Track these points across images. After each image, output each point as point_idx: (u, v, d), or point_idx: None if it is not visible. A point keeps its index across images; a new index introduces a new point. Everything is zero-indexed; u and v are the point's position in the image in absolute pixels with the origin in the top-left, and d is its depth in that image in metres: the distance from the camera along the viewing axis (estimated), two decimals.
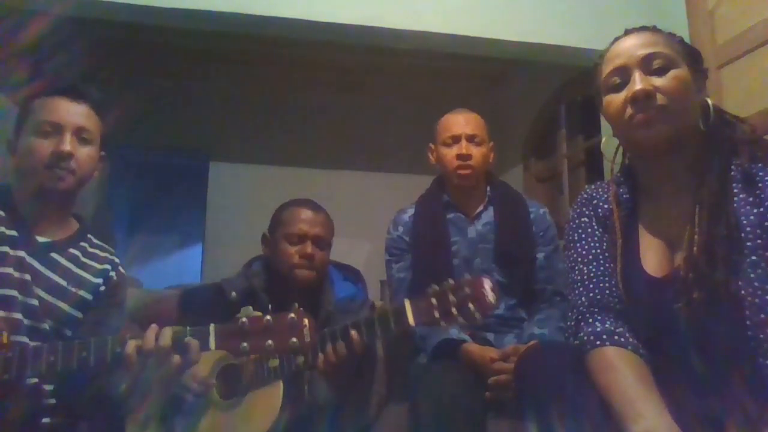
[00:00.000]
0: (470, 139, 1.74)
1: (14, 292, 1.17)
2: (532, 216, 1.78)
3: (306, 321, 1.04)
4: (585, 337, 1.02)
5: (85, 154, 1.27)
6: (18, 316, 1.16)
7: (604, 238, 1.11)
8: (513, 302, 1.70)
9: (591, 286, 1.07)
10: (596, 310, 1.05)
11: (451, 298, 1.14)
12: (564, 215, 2.75)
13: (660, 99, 0.97)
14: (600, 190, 1.15)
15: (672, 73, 0.99)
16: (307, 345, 1.04)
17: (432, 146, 1.85)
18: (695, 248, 0.94)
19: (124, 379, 1.11)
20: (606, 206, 1.12)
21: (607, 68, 1.05)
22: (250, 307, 1.06)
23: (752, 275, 0.90)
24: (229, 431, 1.32)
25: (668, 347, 0.98)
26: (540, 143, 3.83)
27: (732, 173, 0.98)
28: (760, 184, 0.94)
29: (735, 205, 0.95)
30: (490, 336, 1.66)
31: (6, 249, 1.19)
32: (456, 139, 1.75)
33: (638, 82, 0.99)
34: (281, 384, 1.32)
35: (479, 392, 1.49)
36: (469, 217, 1.78)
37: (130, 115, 3.33)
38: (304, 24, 2.30)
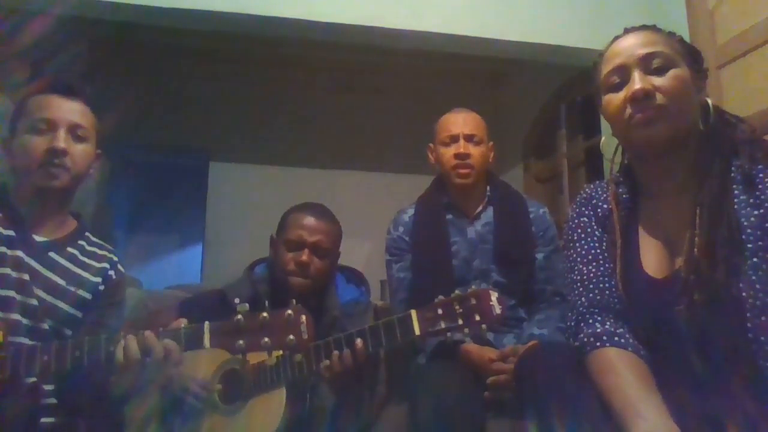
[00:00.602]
0: (468, 138, 1.74)
1: (12, 293, 1.16)
2: (531, 216, 1.77)
3: (303, 318, 1.03)
4: (585, 338, 1.01)
5: (80, 150, 1.26)
6: (17, 316, 1.16)
7: (604, 238, 1.10)
8: (512, 302, 1.69)
9: (591, 286, 1.07)
10: (596, 310, 1.05)
11: (457, 308, 1.14)
12: (564, 215, 2.75)
13: (659, 98, 0.97)
14: (599, 189, 1.15)
15: (671, 72, 0.99)
16: (305, 342, 1.03)
17: (431, 146, 1.85)
18: (696, 250, 0.94)
19: (122, 379, 1.11)
20: (605, 206, 1.12)
21: (606, 67, 1.05)
22: (247, 305, 1.04)
23: (753, 277, 0.89)
24: None
25: (668, 348, 0.98)
26: (540, 143, 3.82)
27: (732, 174, 0.97)
28: (760, 186, 0.94)
29: (736, 206, 0.94)
30: (490, 336, 1.65)
31: (4, 249, 1.18)
32: (454, 139, 1.74)
33: (637, 81, 0.98)
34: (284, 390, 1.31)
35: (479, 392, 1.49)
36: (469, 218, 1.78)
37: (131, 115, 3.32)
38: (304, 24, 2.30)
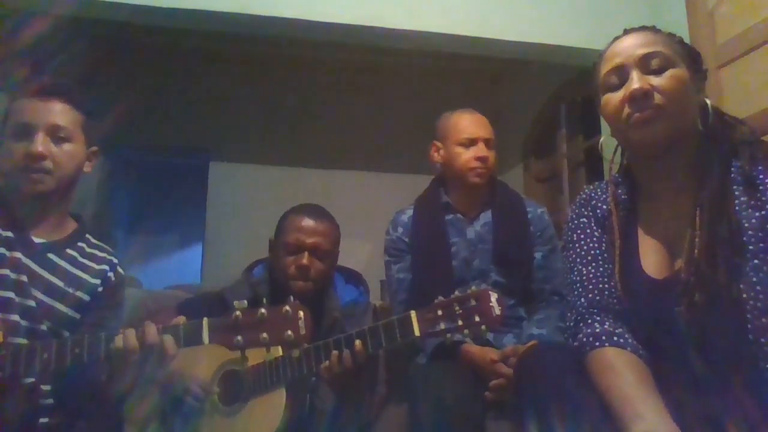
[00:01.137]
0: (487, 142, 1.76)
1: (11, 294, 1.16)
2: (530, 216, 1.78)
3: (301, 313, 1.03)
4: (584, 338, 1.01)
5: (62, 152, 1.24)
6: (15, 317, 1.16)
7: (603, 239, 1.10)
8: (512, 302, 1.70)
9: (590, 287, 1.07)
10: (595, 311, 1.05)
11: (457, 309, 1.14)
12: (564, 215, 2.75)
13: (657, 98, 0.97)
14: (599, 190, 1.15)
15: (670, 72, 0.99)
16: (303, 338, 1.02)
17: (437, 144, 1.82)
18: (696, 251, 0.93)
19: (120, 375, 1.11)
20: (605, 207, 1.12)
21: (605, 67, 1.04)
22: (245, 301, 1.04)
23: (754, 279, 0.89)
24: None
25: (668, 348, 0.98)
26: (540, 143, 3.82)
27: (732, 175, 0.97)
28: (761, 187, 0.94)
29: (736, 207, 0.94)
30: (489, 336, 1.65)
31: (2, 250, 1.18)
32: (474, 142, 1.75)
33: (636, 81, 0.98)
34: (284, 391, 1.31)
35: (479, 393, 1.49)
36: (468, 218, 1.79)
37: (131, 115, 3.32)
38: (304, 24, 2.30)
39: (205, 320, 1.05)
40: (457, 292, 1.17)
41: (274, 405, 1.30)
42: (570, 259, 1.12)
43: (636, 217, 1.08)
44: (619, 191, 1.10)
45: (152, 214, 4.99)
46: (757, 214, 0.92)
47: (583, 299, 1.06)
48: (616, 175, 1.13)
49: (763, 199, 0.93)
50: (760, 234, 0.91)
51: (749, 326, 0.88)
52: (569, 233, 1.15)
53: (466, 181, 1.76)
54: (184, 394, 1.32)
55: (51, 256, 1.26)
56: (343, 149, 4.03)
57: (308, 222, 1.56)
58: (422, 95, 4.00)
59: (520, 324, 1.70)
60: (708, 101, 1.02)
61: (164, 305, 1.80)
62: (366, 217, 2.96)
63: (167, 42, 3.52)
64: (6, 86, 1.97)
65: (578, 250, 1.11)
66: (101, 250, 1.37)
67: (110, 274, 1.34)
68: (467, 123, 1.78)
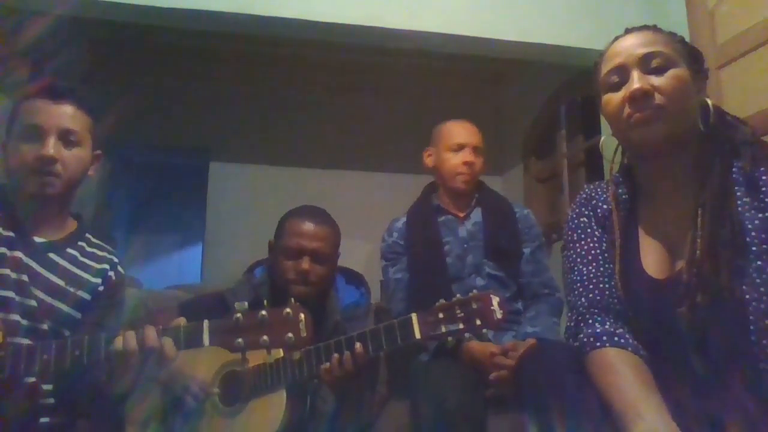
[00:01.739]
0: (475, 149, 1.87)
1: (12, 294, 1.16)
2: (517, 215, 1.90)
3: (302, 315, 1.03)
4: (585, 338, 1.01)
5: (72, 156, 1.24)
6: (16, 317, 1.16)
7: (604, 239, 1.10)
8: (508, 294, 1.78)
9: (591, 287, 1.06)
10: (596, 311, 1.05)
11: (459, 312, 1.15)
12: (564, 215, 2.75)
13: (658, 98, 0.97)
14: (599, 190, 1.15)
15: (671, 72, 0.99)
16: (303, 340, 1.02)
17: (430, 150, 1.95)
18: (698, 251, 0.93)
19: (120, 376, 1.11)
20: (605, 206, 1.11)
21: (606, 67, 1.04)
22: (246, 303, 1.04)
23: (758, 280, 0.89)
24: None
25: (668, 348, 0.98)
26: (540, 143, 3.82)
27: (734, 175, 0.97)
28: (763, 188, 0.93)
29: (738, 208, 0.94)
30: (489, 334, 1.67)
31: (3, 250, 1.18)
32: (462, 147, 1.86)
33: (636, 81, 0.98)
34: (284, 392, 1.31)
35: (480, 391, 1.50)
36: (459, 219, 1.89)
37: (131, 115, 3.32)
38: (304, 24, 2.30)
39: (205, 322, 1.05)
40: (458, 295, 1.18)
41: (274, 405, 1.30)
42: (570, 258, 1.12)
43: (637, 217, 1.08)
44: (620, 191, 1.10)
45: (152, 214, 4.99)
46: (759, 215, 0.92)
47: (583, 299, 1.06)
48: (617, 174, 1.12)
49: (766, 200, 0.92)
50: (762, 235, 0.90)
51: (751, 327, 0.88)
52: (569, 233, 1.15)
53: (452, 184, 1.88)
54: (184, 394, 1.32)
55: (52, 255, 1.26)
56: (343, 149, 4.03)
57: (309, 226, 1.54)
58: (422, 95, 4.00)
59: (519, 319, 1.77)
60: (709, 101, 1.02)
61: (164, 305, 1.80)
62: (366, 217, 2.96)
63: (167, 42, 3.51)
64: (6, 86, 1.97)
65: (579, 249, 1.11)
66: (101, 249, 1.37)
67: (111, 273, 1.34)
68: (458, 130, 1.91)
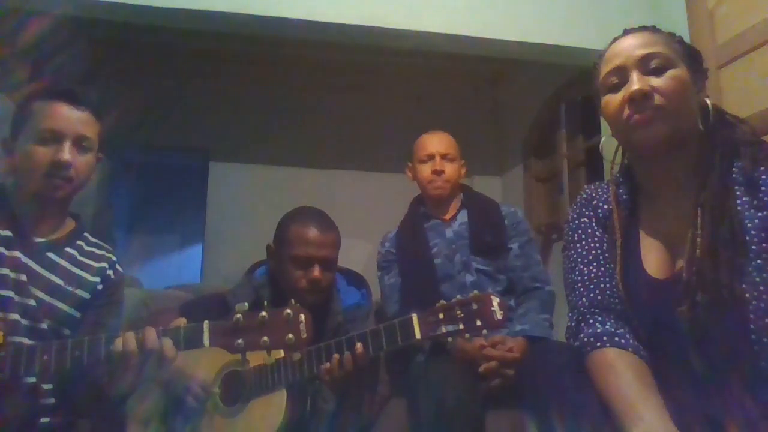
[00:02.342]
0: (443, 156, 1.95)
1: (11, 293, 1.16)
2: (503, 212, 1.95)
3: (302, 316, 1.03)
4: (585, 338, 1.01)
5: (84, 162, 1.26)
6: (16, 316, 1.16)
7: (604, 239, 1.10)
8: (500, 289, 1.81)
9: (591, 287, 1.07)
10: (597, 311, 1.05)
11: (459, 313, 1.15)
12: (564, 215, 2.75)
13: (657, 99, 0.97)
14: (600, 190, 1.15)
15: (670, 72, 0.99)
16: (304, 341, 1.03)
17: (410, 165, 2.06)
18: (698, 251, 0.93)
19: (120, 376, 1.11)
20: (606, 207, 1.11)
21: (605, 68, 1.04)
22: (246, 304, 1.04)
23: (757, 279, 0.89)
24: None
25: (669, 348, 0.98)
26: (540, 143, 3.82)
27: (734, 175, 0.97)
28: (763, 188, 0.93)
29: (738, 207, 0.94)
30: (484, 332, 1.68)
31: (2, 249, 1.18)
32: (431, 157, 1.95)
33: (635, 82, 0.98)
34: (284, 392, 1.31)
35: (478, 390, 1.50)
36: (445, 221, 1.96)
37: (131, 115, 3.32)
38: (304, 24, 2.30)
39: (205, 323, 1.05)
40: (458, 296, 1.18)
41: (274, 405, 1.30)
42: (571, 258, 1.12)
43: (637, 217, 1.08)
44: (620, 191, 1.10)
45: (152, 214, 4.99)
46: (759, 214, 0.92)
47: (584, 299, 1.06)
48: (617, 175, 1.12)
49: (765, 200, 0.92)
50: (762, 234, 0.90)
51: (751, 326, 0.88)
52: (570, 233, 1.15)
53: (428, 193, 1.97)
54: (185, 394, 1.32)
55: (50, 254, 1.26)
56: (343, 149, 4.03)
57: (316, 234, 1.52)
58: (422, 95, 4.00)
59: (511, 315, 1.79)
60: (709, 101, 1.02)
61: (164, 305, 1.80)
62: (366, 217, 2.96)
63: (167, 42, 3.51)
64: (6, 86, 1.97)
65: (579, 249, 1.11)
66: (100, 248, 1.37)
67: (109, 271, 1.35)
68: (426, 141, 2.00)
